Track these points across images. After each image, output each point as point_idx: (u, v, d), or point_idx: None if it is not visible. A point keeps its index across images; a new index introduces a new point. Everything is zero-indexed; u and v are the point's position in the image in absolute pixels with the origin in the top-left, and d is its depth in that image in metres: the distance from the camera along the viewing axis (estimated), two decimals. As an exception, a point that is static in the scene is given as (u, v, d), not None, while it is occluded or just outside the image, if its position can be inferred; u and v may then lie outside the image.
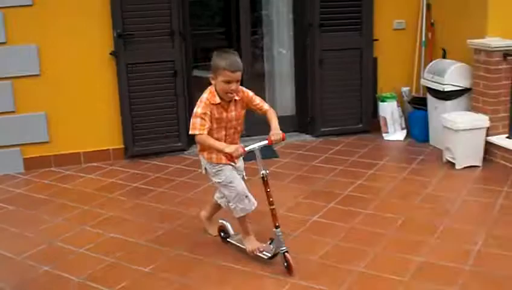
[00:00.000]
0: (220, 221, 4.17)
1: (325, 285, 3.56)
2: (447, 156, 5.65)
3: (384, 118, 6.59)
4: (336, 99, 6.62)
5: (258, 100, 3.87)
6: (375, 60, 6.69)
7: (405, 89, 6.74)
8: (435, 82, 6.02)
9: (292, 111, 6.94)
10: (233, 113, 3.78)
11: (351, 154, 6.09)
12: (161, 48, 5.97)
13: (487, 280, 3.58)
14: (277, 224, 3.66)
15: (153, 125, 6.08)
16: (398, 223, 4.39)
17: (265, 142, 3.67)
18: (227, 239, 4.11)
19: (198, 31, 8.49)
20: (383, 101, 6.63)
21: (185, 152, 6.21)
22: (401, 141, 6.52)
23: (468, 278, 3.60)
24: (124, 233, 4.38)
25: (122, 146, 6.07)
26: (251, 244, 3.89)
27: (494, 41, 5.58)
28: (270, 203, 3.66)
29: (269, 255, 3.76)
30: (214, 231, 4.25)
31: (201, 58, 8.04)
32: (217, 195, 4.19)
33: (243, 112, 3.86)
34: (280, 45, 6.91)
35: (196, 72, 7.18)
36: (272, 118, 3.79)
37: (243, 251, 3.95)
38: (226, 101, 3.72)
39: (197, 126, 3.63)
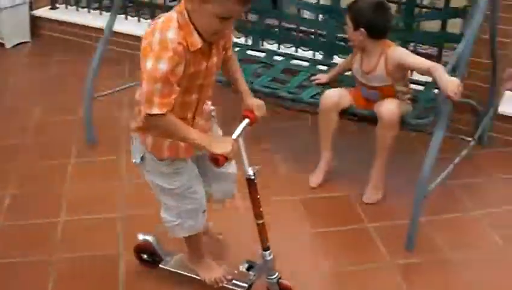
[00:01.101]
0: (142, 237, 2.68)
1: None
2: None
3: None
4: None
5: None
6: None
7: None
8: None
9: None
10: (214, 59, 2.16)
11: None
12: None
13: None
14: (267, 245, 2.42)
15: None
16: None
17: (247, 120, 2.29)
18: (160, 265, 2.68)
19: None
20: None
21: None
22: None
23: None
24: None
25: None
26: (211, 271, 2.58)
27: None
28: (258, 216, 2.38)
29: (246, 285, 2.54)
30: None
31: None
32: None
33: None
34: None
35: None
36: (239, 72, 2.38)
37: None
38: (207, 42, 2.08)
39: (157, 100, 1.95)
